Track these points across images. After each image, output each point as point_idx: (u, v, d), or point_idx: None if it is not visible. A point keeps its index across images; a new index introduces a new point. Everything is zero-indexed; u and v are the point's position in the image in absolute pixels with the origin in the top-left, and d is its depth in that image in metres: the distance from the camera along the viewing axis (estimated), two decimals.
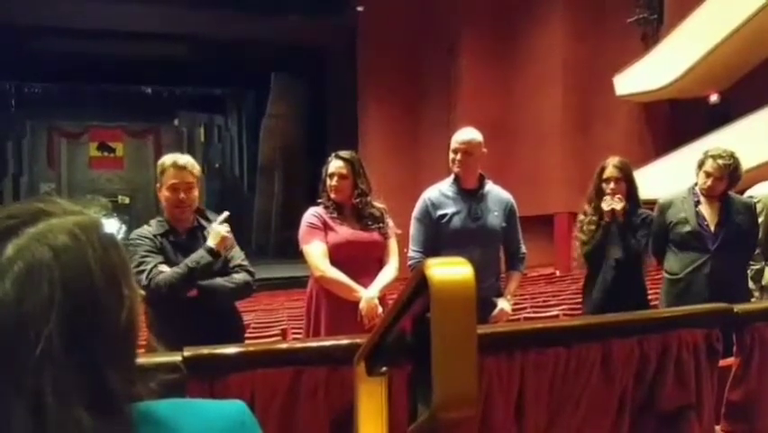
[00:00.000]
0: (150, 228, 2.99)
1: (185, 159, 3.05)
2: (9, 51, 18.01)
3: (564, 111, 13.79)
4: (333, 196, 3.38)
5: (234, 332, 3.10)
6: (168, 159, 3.05)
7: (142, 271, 2.79)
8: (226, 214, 3.10)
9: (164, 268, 2.87)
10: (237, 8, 17.57)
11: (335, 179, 3.37)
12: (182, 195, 2.98)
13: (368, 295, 3.23)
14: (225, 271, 3.03)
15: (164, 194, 3.01)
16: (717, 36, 10.62)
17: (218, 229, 2.99)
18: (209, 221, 3.11)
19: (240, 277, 3.04)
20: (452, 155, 3.47)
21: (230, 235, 3.02)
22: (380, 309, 3.21)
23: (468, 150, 3.44)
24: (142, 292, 2.67)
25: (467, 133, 3.50)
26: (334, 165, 3.39)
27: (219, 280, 2.97)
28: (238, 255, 3.11)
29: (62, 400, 0.64)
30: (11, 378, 0.64)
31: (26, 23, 17.35)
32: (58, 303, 0.65)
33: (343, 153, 3.46)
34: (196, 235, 3.06)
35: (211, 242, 2.96)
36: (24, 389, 0.63)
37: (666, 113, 12.95)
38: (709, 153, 3.72)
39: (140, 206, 23.52)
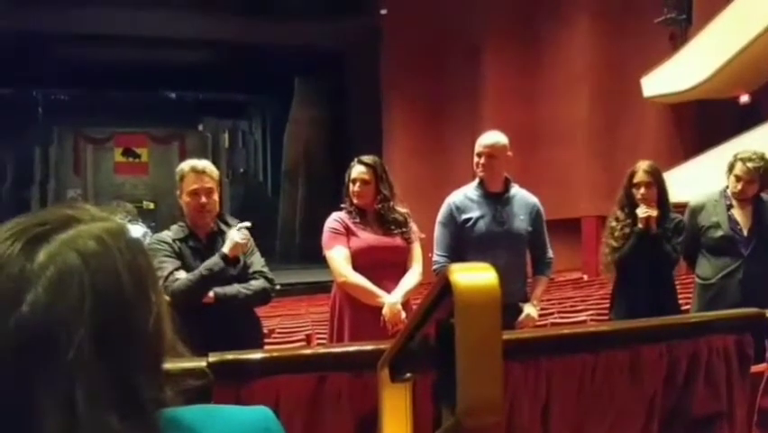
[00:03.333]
0: (169, 233, 3.02)
1: (203, 163, 3.09)
2: (36, 59, 18.29)
3: (591, 113, 13.67)
4: (355, 201, 3.38)
5: (253, 338, 3.11)
6: (186, 165, 3.09)
7: (159, 277, 2.80)
8: (247, 223, 3.12)
9: (181, 274, 2.89)
10: (260, 13, 17.70)
11: (358, 184, 3.37)
12: (203, 199, 3.01)
13: (391, 300, 3.22)
14: (244, 277, 3.05)
15: (184, 199, 3.04)
16: (746, 36, 10.48)
17: (233, 236, 3.00)
18: (229, 226, 3.14)
19: (257, 283, 3.06)
20: (476, 159, 3.45)
21: (244, 242, 3.04)
22: (404, 315, 3.20)
23: (492, 153, 3.41)
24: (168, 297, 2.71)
25: (491, 137, 3.48)
26: (357, 170, 3.39)
27: (236, 287, 2.99)
28: (258, 262, 3.13)
29: (93, 406, 0.64)
30: (43, 383, 0.64)
31: (53, 31, 17.61)
32: (88, 309, 0.66)
33: (366, 158, 3.46)
34: (215, 240, 3.08)
35: (226, 248, 2.98)
36: (56, 394, 0.64)
37: (695, 114, 12.78)
38: (739, 156, 3.66)
39: (164, 211, 23.74)
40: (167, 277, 2.84)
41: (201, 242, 3.06)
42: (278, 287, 3.26)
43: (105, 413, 0.65)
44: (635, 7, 13.07)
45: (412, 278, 3.37)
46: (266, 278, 3.10)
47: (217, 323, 2.78)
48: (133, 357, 0.69)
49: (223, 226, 3.14)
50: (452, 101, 16.46)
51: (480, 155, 3.43)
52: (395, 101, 17.39)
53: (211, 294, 2.93)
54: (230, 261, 2.97)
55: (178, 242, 2.99)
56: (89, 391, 0.64)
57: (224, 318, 2.89)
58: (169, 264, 2.89)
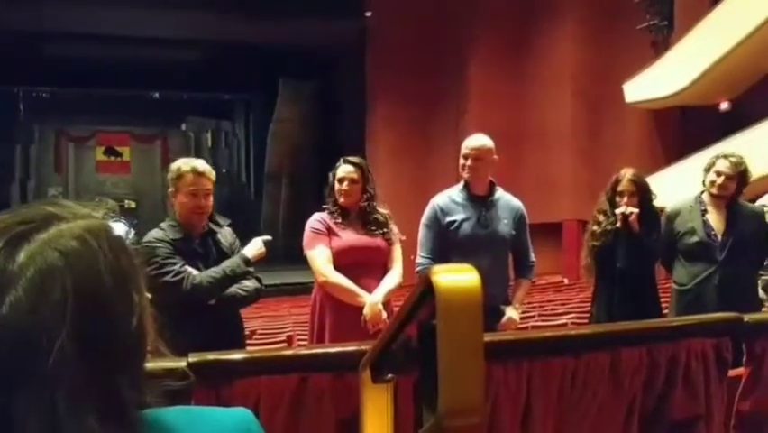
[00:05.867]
0: (165, 232, 3.00)
1: (203, 165, 3.10)
2: (18, 56, 18.09)
3: (574, 118, 13.76)
4: (341, 200, 3.38)
5: (240, 339, 3.18)
6: (185, 164, 3.08)
7: (168, 272, 2.83)
8: (269, 238, 3.29)
9: (192, 270, 2.90)
10: (245, 12, 17.60)
11: (346, 183, 3.37)
12: (202, 201, 3.03)
13: (372, 300, 3.22)
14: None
15: (181, 199, 3.03)
16: (727, 44, 10.60)
17: (258, 244, 3.15)
18: (220, 226, 3.18)
19: (250, 284, 3.09)
20: (462, 161, 3.46)
21: (264, 251, 3.19)
22: (384, 315, 3.21)
23: (478, 156, 3.42)
24: (149, 296, 2.71)
25: (477, 139, 3.49)
26: (344, 170, 3.40)
27: (232, 288, 3.01)
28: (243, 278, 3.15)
29: (74, 407, 0.63)
30: (23, 385, 0.63)
31: (35, 28, 17.42)
32: (70, 309, 0.65)
33: (352, 158, 3.48)
34: (207, 240, 3.10)
35: (250, 253, 3.09)
36: (37, 396, 0.63)
37: (677, 120, 12.90)
38: (719, 154, 3.77)
39: (146, 210, 23.53)
40: (179, 271, 2.87)
41: (195, 241, 3.07)
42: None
43: (86, 415, 0.64)
44: (619, 14, 13.17)
45: (393, 278, 3.38)
46: (256, 278, 3.15)
47: (211, 324, 2.81)
48: (115, 358, 0.68)
49: (213, 227, 3.15)
50: (438, 103, 16.47)
51: (465, 157, 3.44)
52: (379, 102, 17.38)
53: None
54: (251, 265, 3.08)
55: (176, 242, 2.99)
56: (70, 393, 0.63)
57: (219, 319, 2.93)
58: (178, 261, 2.90)
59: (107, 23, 17.45)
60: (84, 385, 0.64)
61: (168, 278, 2.81)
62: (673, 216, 3.77)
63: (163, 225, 3.07)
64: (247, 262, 3.05)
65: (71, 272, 0.66)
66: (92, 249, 0.69)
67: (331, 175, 3.44)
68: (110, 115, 23.90)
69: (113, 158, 26.11)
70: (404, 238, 3.53)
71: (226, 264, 3.00)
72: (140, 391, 0.71)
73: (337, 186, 3.39)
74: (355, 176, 3.39)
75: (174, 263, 2.87)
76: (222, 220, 3.26)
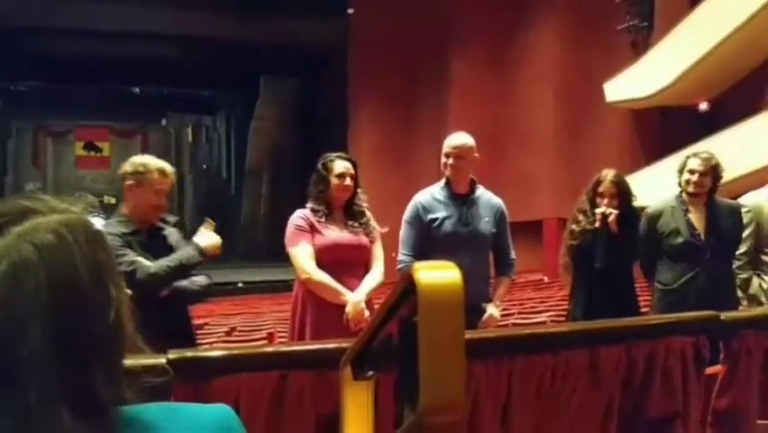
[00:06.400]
0: (116, 226, 3.01)
1: (168, 166, 3.17)
2: None
3: (555, 118, 13.83)
4: (339, 196, 3.38)
5: (191, 336, 3.23)
6: (151, 162, 3.12)
7: (121, 262, 2.83)
8: (211, 222, 3.23)
9: (146, 262, 2.91)
10: (227, 9, 17.52)
11: (347, 179, 3.38)
12: (163, 200, 3.11)
13: (355, 299, 3.22)
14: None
15: (143, 195, 3.05)
16: (706, 45, 10.69)
17: (212, 237, 3.13)
18: (167, 223, 3.21)
19: (201, 279, 3.12)
20: (443, 159, 3.46)
21: (219, 243, 3.16)
22: (367, 313, 3.21)
23: (460, 154, 3.43)
24: (129, 292, 2.72)
25: (459, 138, 3.50)
26: (344, 165, 3.40)
27: (184, 282, 3.04)
28: (195, 269, 3.17)
29: (47, 402, 0.63)
30: None
31: (14, 23, 17.21)
32: (44, 303, 0.64)
33: (343, 154, 3.52)
34: (156, 235, 3.13)
35: (203, 243, 3.08)
36: (9, 391, 0.62)
37: (656, 120, 13.01)
38: (689, 154, 3.86)
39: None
40: (133, 261, 2.87)
41: (144, 236, 3.09)
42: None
43: (60, 410, 0.63)
44: (600, 15, 13.25)
45: (374, 277, 3.38)
46: (205, 274, 3.17)
47: (173, 318, 2.83)
48: (91, 354, 0.67)
49: (161, 224, 3.19)
50: (420, 102, 16.50)
51: (447, 156, 3.45)
52: (362, 100, 17.37)
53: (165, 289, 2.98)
54: (205, 256, 3.08)
55: (127, 235, 2.99)
56: (44, 389, 0.63)
57: (172, 315, 2.94)
58: (130, 253, 2.90)
59: (88, 17, 17.30)
60: (58, 380, 0.64)
61: (122, 268, 2.82)
62: (656, 217, 3.81)
63: (111, 219, 3.10)
64: (201, 252, 3.05)
65: (45, 266, 0.66)
66: (68, 243, 0.68)
67: (322, 171, 3.41)
68: (90, 110, 23.74)
69: (92, 153, 25.91)
70: (386, 230, 3.54)
71: (180, 254, 3.01)
72: (117, 386, 0.70)
73: (336, 181, 3.37)
74: (352, 172, 3.41)
75: (125, 254, 2.88)
76: (170, 218, 3.28)
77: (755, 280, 3.91)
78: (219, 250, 3.15)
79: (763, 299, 3.88)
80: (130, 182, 3.07)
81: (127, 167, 3.10)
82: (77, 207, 0.75)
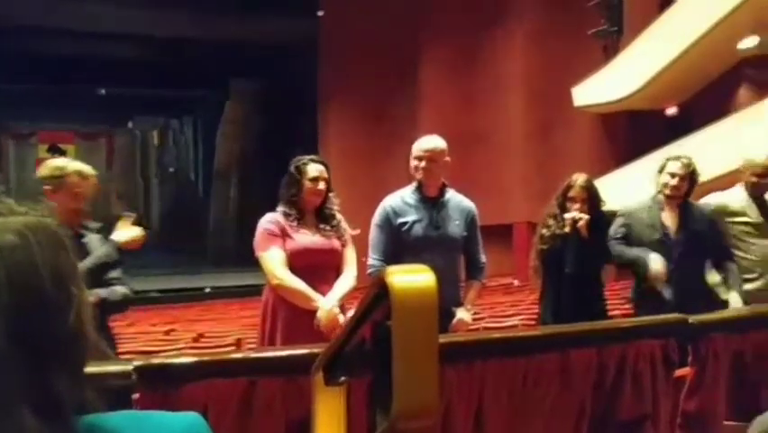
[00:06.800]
0: None
1: (88, 168, 3.11)
2: None
3: (525, 121, 13.93)
4: (312, 200, 3.34)
5: (112, 348, 3.13)
6: (69, 165, 3.07)
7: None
8: (129, 215, 3.24)
9: None
10: (195, 11, 17.39)
11: (321, 183, 3.34)
12: (82, 203, 3.04)
13: (326, 306, 3.17)
14: (103, 282, 3.01)
15: (61, 199, 2.99)
16: (674, 50, 10.86)
17: (133, 231, 3.12)
18: (89, 229, 3.13)
19: (121, 290, 3.04)
20: (415, 162, 3.44)
21: (142, 235, 3.16)
22: (342, 318, 3.17)
23: (432, 157, 3.42)
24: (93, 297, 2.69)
25: (431, 141, 3.49)
26: (318, 169, 3.35)
27: (103, 291, 2.94)
28: (116, 269, 3.11)
29: (9, 403, 0.62)
30: None
31: None
32: (4, 303, 0.64)
33: (316, 157, 3.48)
34: (76, 242, 3.04)
35: (120, 238, 3.07)
36: None
37: (625, 124, 13.18)
38: (670, 157, 3.92)
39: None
40: None
41: None
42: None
43: (19, 411, 0.62)
44: (570, 19, 13.39)
45: (347, 281, 3.34)
46: (125, 285, 3.09)
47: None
48: (52, 355, 0.66)
49: (82, 230, 3.12)
50: (390, 104, 16.52)
51: (420, 159, 3.42)
52: (332, 103, 17.35)
53: (91, 298, 2.90)
54: (122, 251, 3.06)
55: None
56: (5, 390, 0.62)
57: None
58: None
59: (53, 16, 17.04)
60: (17, 382, 0.63)
61: None
62: (632, 216, 3.88)
63: None
64: (119, 249, 3.02)
65: (6, 266, 0.65)
66: (29, 243, 0.68)
67: (295, 174, 3.35)
68: (54, 112, 23.39)
69: (56, 156, 25.51)
70: (357, 231, 3.51)
71: (97, 253, 2.97)
72: (80, 390, 0.69)
73: (309, 185, 3.32)
74: (326, 175, 3.37)
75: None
76: (92, 224, 3.21)
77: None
78: (140, 241, 3.12)
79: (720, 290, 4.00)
80: (48, 187, 3.01)
81: (44, 171, 3.04)
82: (38, 210, 0.74)
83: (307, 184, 3.32)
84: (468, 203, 3.60)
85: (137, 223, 3.20)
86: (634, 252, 3.79)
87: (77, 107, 23.32)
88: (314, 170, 3.34)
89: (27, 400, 0.63)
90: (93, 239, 3.10)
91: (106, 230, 3.20)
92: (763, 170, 4.03)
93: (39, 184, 3.02)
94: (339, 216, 3.45)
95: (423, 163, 3.41)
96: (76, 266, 0.74)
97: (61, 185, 2.99)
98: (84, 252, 3.00)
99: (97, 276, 2.91)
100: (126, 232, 3.10)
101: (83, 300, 0.72)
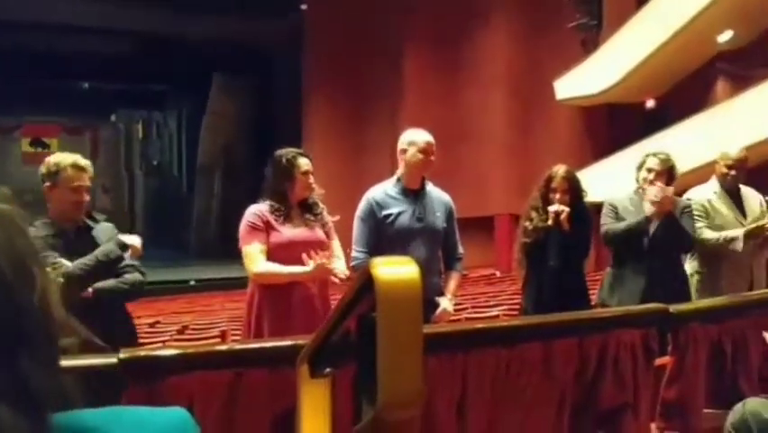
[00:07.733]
0: (36, 229, 2.94)
1: (84, 160, 3.10)
2: None
3: (506, 114, 13.97)
4: (304, 193, 3.37)
5: (128, 335, 3.15)
6: (64, 159, 3.06)
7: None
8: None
9: (65, 262, 2.85)
10: (179, 4, 17.25)
11: (312, 176, 3.38)
12: (82, 196, 3.04)
13: (311, 265, 3.17)
14: (117, 271, 3.05)
15: (60, 194, 3.00)
16: (653, 43, 10.93)
17: (138, 239, 3.17)
18: (96, 221, 3.15)
19: (132, 277, 3.06)
20: (420, 156, 3.44)
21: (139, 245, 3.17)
22: (335, 267, 3.22)
23: (432, 150, 3.47)
24: (60, 280, 2.71)
25: (427, 134, 3.52)
26: (307, 163, 3.39)
27: (111, 281, 2.98)
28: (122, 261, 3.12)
29: None
30: None
31: None
32: None
33: (302, 151, 3.50)
34: (83, 235, 3.07)
35: (128, 239, 3.09)
36: None
37: (605, 117, 13.24)
38: (649, 153, 4.02)
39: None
40: (53, 264, 2.80)
41: (70, 237, 3.03)
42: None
43: None
44: (550, 13, 13.42)
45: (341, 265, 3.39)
46: (139, 271, 3.11)
47: (99, 321, 2.74)
48: (20, 341, 0.65)
49: (90, 222, 3.13)
50: (373, 99, 16.50)
51: (425, 152, 3.44)
52: (315, 98, 17.30)
53: (90, 289, 2.92)
54: (126, 249, 3.06)
55: (49, 237, 2.94)
56: None
57: (106, 316, 2.84)
58: (50, 255, 2.84)
59: (36, 10, 16.84)
60: None
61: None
62: (619, 206, 3.97)
63: (36, 222, 3.01)
64: (123, 246, 3.03)
65: None
66: None
67: (287, 167, 3.35)
68: (38, 106, 23.09)
69: (39, 149, 25.24)
70: (337, 218, 3.53)
71: (99, 250, 2.97)
72: (53, 378, 0.67)
73: (303, 178, 3.35)
74: (312, 168, 3.42)
75: (45, 257, 2.82)
76: (98, 216, 3.23)
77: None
78: (138, 252, 3.15)
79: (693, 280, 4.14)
80: (47, 184, 3.02)
81: (42, 169, 3.05)
82: None
83: (301, 177, 3.34)
84: (446, 196, 3.65)
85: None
86: (625, 222, 3.88)
87: (61, 101, 23.05)
88: (306, 164, 3.38)
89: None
90: (104, 228, 3.12)
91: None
92: (733, 162, 4.16)
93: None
94: (321, 204, 3.47)
95: (428, 156, 3.44)
96: (37, 252, 0.72)
97: (59, 181, 3.00)
98: (92, 243, 3.02)
99: (99, 272, 2.92)
100: (131, 238, 3.15)
101: (47, 280, 0.70)
